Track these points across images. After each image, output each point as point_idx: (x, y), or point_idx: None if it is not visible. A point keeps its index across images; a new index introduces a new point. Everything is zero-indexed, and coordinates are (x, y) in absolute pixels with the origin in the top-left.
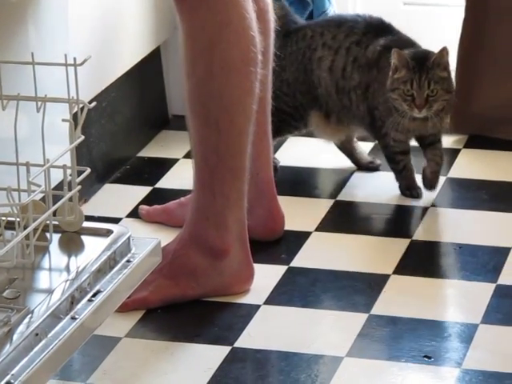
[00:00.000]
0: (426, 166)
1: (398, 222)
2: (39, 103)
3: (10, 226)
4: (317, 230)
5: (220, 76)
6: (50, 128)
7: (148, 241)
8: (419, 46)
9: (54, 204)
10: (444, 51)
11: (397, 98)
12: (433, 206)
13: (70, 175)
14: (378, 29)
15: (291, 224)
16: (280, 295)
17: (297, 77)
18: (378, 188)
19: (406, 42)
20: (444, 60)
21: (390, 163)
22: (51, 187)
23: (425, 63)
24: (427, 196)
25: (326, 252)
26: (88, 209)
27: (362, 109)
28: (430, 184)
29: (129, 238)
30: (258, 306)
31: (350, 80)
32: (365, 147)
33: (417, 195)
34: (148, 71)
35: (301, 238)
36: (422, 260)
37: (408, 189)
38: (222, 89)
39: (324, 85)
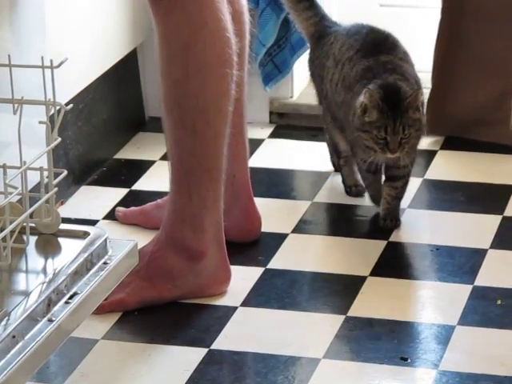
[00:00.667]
0: (382, 203)
1: (375, 223)
2: (16, 105)
3: None
4: (293, 231)
5: (196, 78)
6: (26, 130)
7: (125, 243)
8: (406, 68)
9: (30, 206)
10: (418, 93)
11: (367, 139)
12: (409, 207)
13: (47, 177)
14: (372, 45)
15: (268, 226)
16: (257, 297)
17: (319, 82)
18: None
19: (386, 67)
20: (417, 102)
21: (362, 179)
22: (28, 189)
23: (398, 105)
24: (404, 197)
25: (303, 254)
26: (65, 211)
27: (345, 126)
28: (390, 219)
29: (106, 240)
30: (235, 308)
31: (339, 95)
32: None
33: (389, 225)
34: (124, 73)
35: (277, 239)
36: (399, 261)
37: (384, 219)
38: (197, 90)
39: (328, 95)
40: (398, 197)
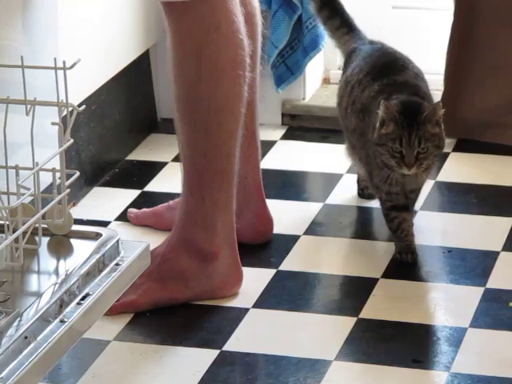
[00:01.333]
0: None
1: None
2: (28, 106)
3: None
4: (305, 233)
5: (208, 79)
6: (39, 131)
7: (137, 244)
8: (419, 87)
9: (43, 207)
10: (437, 106)
11: (384, 153)
12: (422, 209)
13: (59, 178)
14: (382, 68)
15: (280, 227)
16: (269, 299)
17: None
18: None
19: (401, 86)
20: (436, 115)
21: (386, 221)
22: (40, 190)
23: (415, 118)
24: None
25: (315, 255)
26: (77, 212)
27: (361, 154)
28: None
29: (118, 242)
30: (247, 310)
31: (350, 122)
32: None
33: (409, 260)
34: (137, 75)
35: (289, 241)
36: (411, 264)
37: (400, 252)
38: (210, 92)
39: (341, 115)
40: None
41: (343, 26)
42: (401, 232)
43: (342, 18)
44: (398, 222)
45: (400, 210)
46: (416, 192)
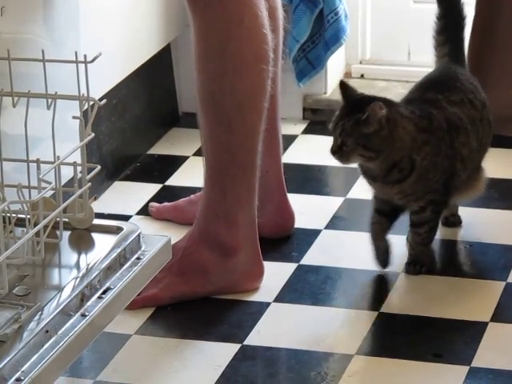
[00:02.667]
0: (407, 247)
1: (408, 220)
2: (49, 100)
3: (21, 223)
4: (327, 227)
5: (232, 74)
6: (60, 125)
7: (158, 238)
8: (446, 110)
9: (64, 201)
10: (376, 106)
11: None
12: None
13: (80, 172)
14: (430, 83)
15: (301, 222)
16: (290, 293)
17: None
18: None
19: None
20: (377, 116)
21: None
22: (61, 184)
23: (352, 111)
24: None
25: (336, 250)
26: (98, 206)
27: None
28: (414, 265)
29: (139, 236)
30: (268, 304)
31: None
32: None
33: (379, 266)
34: (158, 69)
35: (311, 235)
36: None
37: (376, 257)
38: (234, 86)
39: None
40: (424, 243)
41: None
42: (371, 232)
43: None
44: (373, 221)
45: (379, 214)
46: (413, 215)
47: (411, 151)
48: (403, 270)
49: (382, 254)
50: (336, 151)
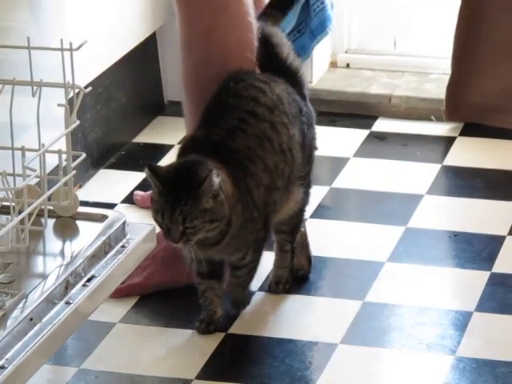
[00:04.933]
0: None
1: (393, 209)
2: (35, 88)
3: (5, 210)
4: (312, 216)
5: (217, 61)
6: (45, 113)
7: (143, 226)
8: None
9: (48, 189)
10: (212, 175)
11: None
12: (428, 193)
13: (65, 160)
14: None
15: None
16: None
17: None
18: (373, 175)
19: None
20: (213, 187)
21: None
22: (46, 172)
23: (184, 191)
24: (422, 183)
25: (321, 239)
26: (83, 194)
27: None
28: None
29: (124, 224)
30: (253, 293)
31: None
32: None
33: (204, 331)
34: (144, 57)
35: None
36: (417, 247)
37: (200, 320)
38: (219, 75)
39: None
40: (243, 285)
41: None
42: (204, 300)
43: None
44: (202, 290)
45: (205, 278)
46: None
47: (231, 210)
48: (388, 258)
49: (214, 321)
50: (180, 238)
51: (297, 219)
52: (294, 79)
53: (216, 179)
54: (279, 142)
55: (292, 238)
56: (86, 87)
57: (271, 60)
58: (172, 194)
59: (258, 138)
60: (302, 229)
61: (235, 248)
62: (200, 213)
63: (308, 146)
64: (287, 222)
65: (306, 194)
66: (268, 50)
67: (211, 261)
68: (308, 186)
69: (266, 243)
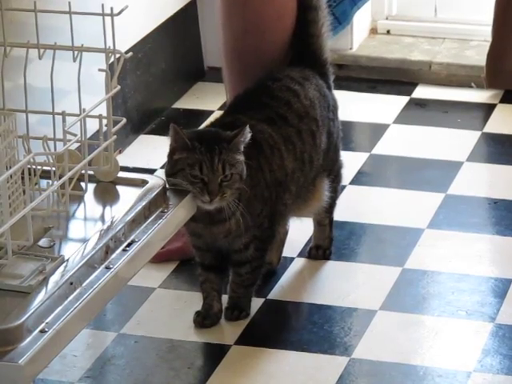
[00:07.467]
0: (228, 290)
1: (433, 176)
2: (76, 53)
3: (46, 175)
4: (351, 183)
5: (255, 31)
6: (86, 78)
7: (183, 192)
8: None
9: (89, 154)
10: (247, 128)
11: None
12: (468, 160)
13: (106, 125)
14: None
15: None
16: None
17: None
18: (413, 142)
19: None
20: (246, 140)
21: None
22: (87, 137)
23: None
24: (462, 150)
25: (361, 205)
26: (123, 159)
27: None
28: (233, 310)
29: (164, 189)
30: (292, 259)
31: None
32: None
33: (198, 324)
34: (184, 23)
35: None
36: (457, 215)
37: (197, 312)
38: (257, 44)
39: None
40: (245, 285)
41: None
42: (202, 292)
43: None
44: (201, 281)
45: (205, 269)
46: (235, 255)
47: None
48: (428, 225)
49: (210, 315)
50: (217, 191)
51: (331, 202)
52: (322, 70)
53: (249, 134)
54: (302, 151)
55: (329, 213)
56: (126, 52)
57: (304, 47)
58: (205, 146)
59: (283, 138)
60: (287, 227)
61: (238, 234)
62: (236, 162)
63: (333, 143)
64: (321, 209)
65: (335, 190)
66: (305, 17)
67: (214, 250)
68: (335, 181)
69: (270, 245)
